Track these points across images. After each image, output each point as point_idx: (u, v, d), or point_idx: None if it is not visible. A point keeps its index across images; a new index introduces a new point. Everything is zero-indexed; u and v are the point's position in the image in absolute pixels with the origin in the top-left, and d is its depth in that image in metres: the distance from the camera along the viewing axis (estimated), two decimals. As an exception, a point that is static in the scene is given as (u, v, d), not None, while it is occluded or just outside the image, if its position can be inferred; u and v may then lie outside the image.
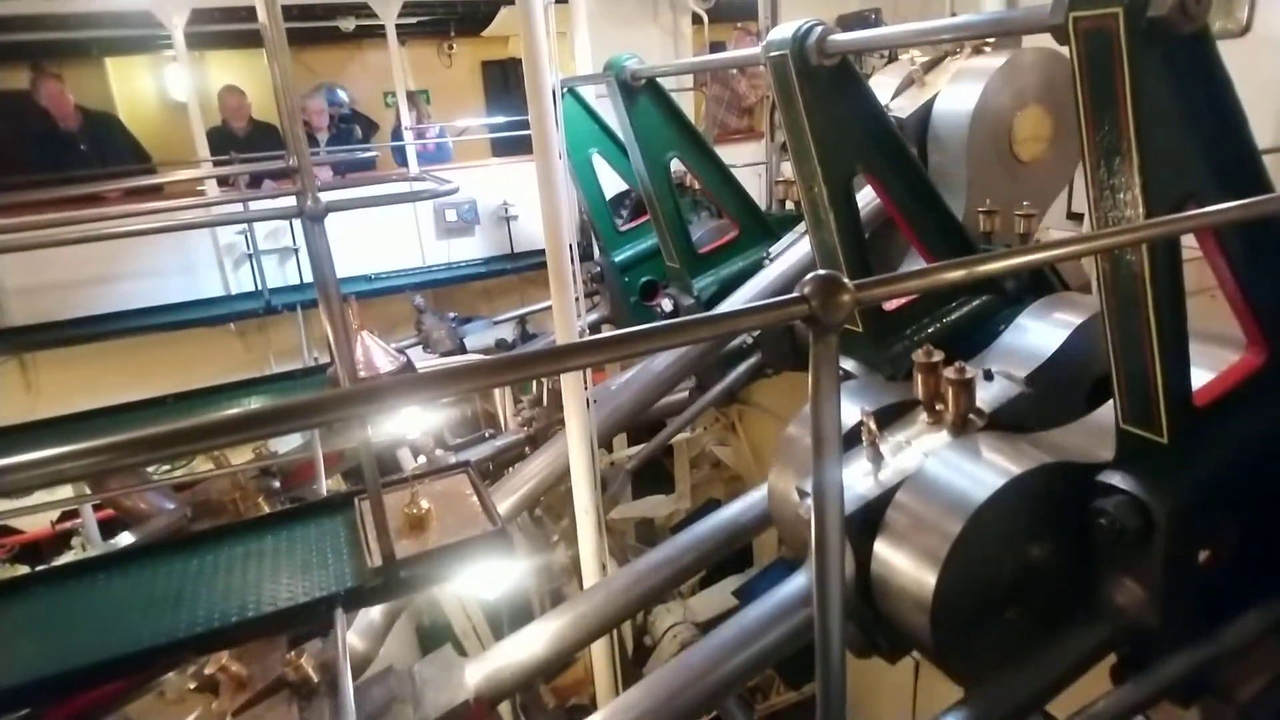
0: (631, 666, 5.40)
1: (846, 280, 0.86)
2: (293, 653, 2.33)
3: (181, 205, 4.49)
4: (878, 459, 2.15)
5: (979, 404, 2.17)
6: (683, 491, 6.53)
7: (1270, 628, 2.00)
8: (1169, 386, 1.83)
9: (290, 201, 2.59)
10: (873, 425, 2.14)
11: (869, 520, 2.05)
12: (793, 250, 4.21)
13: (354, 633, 2.78)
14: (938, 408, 2.20)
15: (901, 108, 3.54)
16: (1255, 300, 1.97)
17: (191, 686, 2.37)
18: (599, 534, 3.31)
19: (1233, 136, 1.82)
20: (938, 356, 2.19)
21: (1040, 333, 2.56)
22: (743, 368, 4.56)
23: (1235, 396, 2.00)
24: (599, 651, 3.46)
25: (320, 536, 2.58)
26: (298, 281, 7.46)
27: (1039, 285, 2.96)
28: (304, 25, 8.88)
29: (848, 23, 9.10)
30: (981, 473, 1.93)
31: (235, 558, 2.49)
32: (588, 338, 2.68)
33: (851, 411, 2.22)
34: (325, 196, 2.27)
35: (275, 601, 2.21)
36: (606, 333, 5.61)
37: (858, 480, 2.14)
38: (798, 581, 2.32)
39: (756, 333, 4.33)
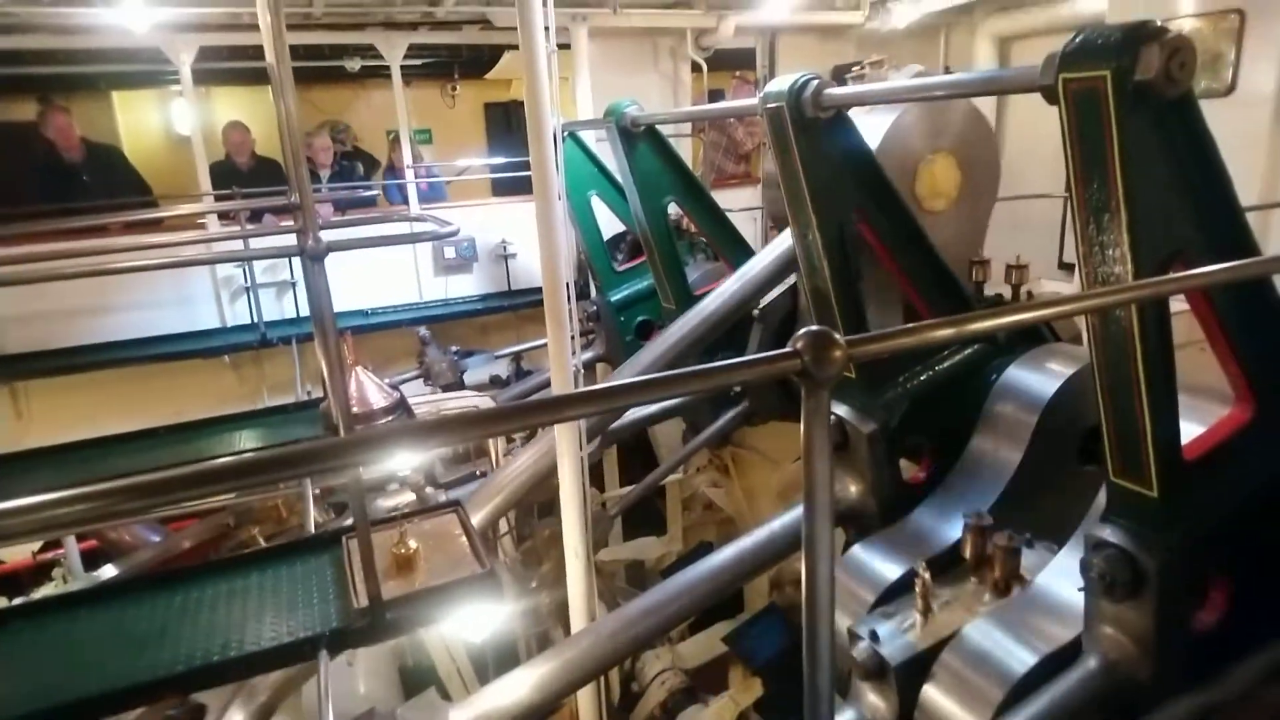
0: (618, 714, 5.30)
1: (838, 336, 0.87)
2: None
3: (183, 241, 4.51)
4: (927, 611, 2.29)
5: (1022, 570, 2.33)
6: (674, 534, 6.47)
7: (1263, 678, 1.99)
8: (1158, 440, 1.85)
9: (290, 239, 2.62)
10: (927, 577, 2.28)
11: (917, 670, 2.17)
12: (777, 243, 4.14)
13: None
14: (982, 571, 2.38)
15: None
16: (1243, 355, 1.99)
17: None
18: (589, 578, 3.28)
19: (1218, 196, 1.86)
20: (987, 519, 2.35)
21: (1032, 383, 2.58)
22: (734, 412, 4.58)
23: (1225, 450, 2.01)
24: (585, 699, 3.40)
25: (306, 575, 2.55)
26: (294, 315, 7.47)
27: (1030, 335, 2.99)
28: (311, 65, 9.04)
29: (843, 74, 9.33)
30: (1017, 648, 2.09)
31: (220, 595, 2.45)
32: (583, 389, 2.67)
33: (895, 561, 2.43)
34: (326, 235, 2.29)
35: (259, 641, 2.18)
36: (600, 379, 5.64)
37: (907, 630, 2.27)
38: None
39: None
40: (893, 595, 2.42)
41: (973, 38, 8.85)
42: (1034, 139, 8.64)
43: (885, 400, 2.84)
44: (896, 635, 2.23)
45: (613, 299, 5.49)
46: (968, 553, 2.38)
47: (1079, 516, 2.17)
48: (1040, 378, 2.60)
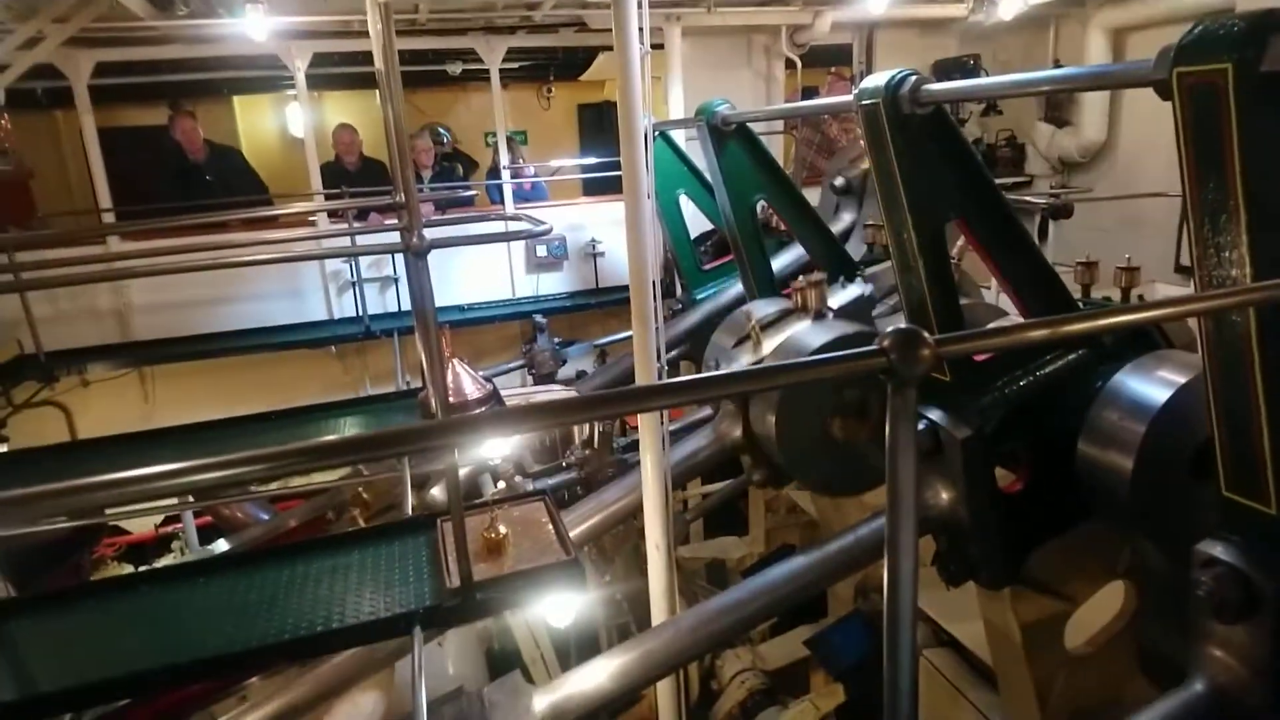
0: (697, 710, 5.31)
1: (926, 334, 0.87)
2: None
3: (295, 237, 4.78)
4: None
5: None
6: (756, 535, 6.43)
7: None
8: (1278, 454, 1.74)
9: (394, 236, 2.75)
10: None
11: None
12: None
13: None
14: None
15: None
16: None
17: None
18: (669, 571, 3.31)
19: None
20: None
21: (1141, 392, 2.46)
22: None
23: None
24: (664, 691, 3.43)
25: (403, 555, 2.68)
26: (395, 309, 7.81)
27: (1140, 341, 2.84)
28: (414, 69, 9.41)
29: (944, 68, 9.03)
30: None
31: (324, 570, 2.60)
32: (666, 380, 2.71)
33: None
34: (428, 234, 2.41)
35: (359, 615, 2.31)
36: (685, 374, 5.65)
37: None
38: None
39: None
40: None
41: (1084, 30, 8.41)
42: (1153, 133, 8.16)
43: (981, 405, 2.75)
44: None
45: (698, 298, 5.50)
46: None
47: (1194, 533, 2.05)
48: (1150, 385, 2.47)
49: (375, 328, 7.60)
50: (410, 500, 3.32)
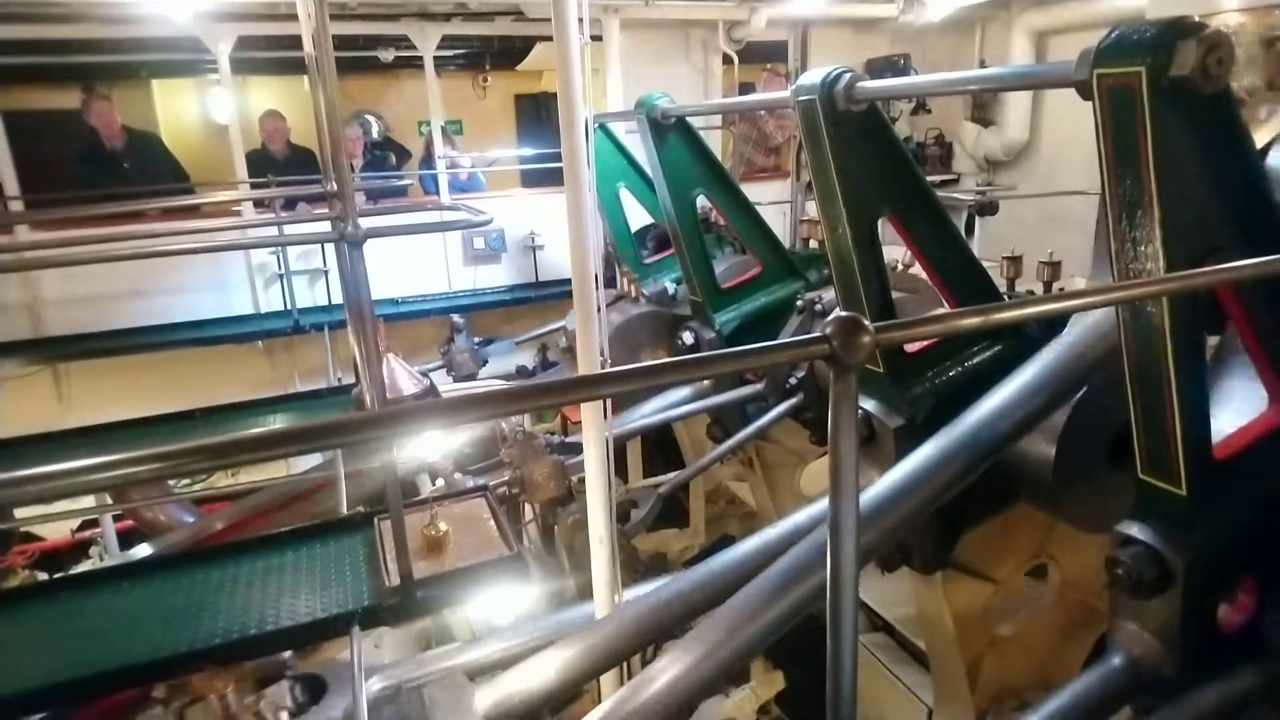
0: (640, 702, 5.33)
1: (867, 322, 0.90)
2: (251, 698, 2.33)
3: (221, 226, 4.60)
4: None
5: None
6: (697, 527, 6.49)
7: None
8: (1188, 438, 1.84)
9: (326, 226, 2.68)
10: None
11: None
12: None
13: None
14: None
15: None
16: (1276, 353, 1.98)
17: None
18: (613, 564, 3.31)
19: (1255, 193, 1.84)
20: None
21: (1061, 380, 2.56)
22: (781, 409, 4.55)
23: (1257, 450, 2.00)
24: (608, 685, 3.43)
25: (340, 554, 2.62)
26: (326, 303, 7.60)
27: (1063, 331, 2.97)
28: (345, 55, 9.15)
29: (876, 67, 9.26)
30: None
31: (256, 572, 2.53)
32: (609, 369, 2.72)
33: None
34: (364, 223, 2.35)
35: (294, 616, 2.25)
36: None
37: None
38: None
39: (802, 374, 4.37)
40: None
41: (1008, 32, 8.73)
42: (1071, 134, 8.53)
43: (913, 396, 2.84)
44: None
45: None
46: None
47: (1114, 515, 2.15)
48: (1070, 375, 2.58)
49: (305, 322, 7.39)
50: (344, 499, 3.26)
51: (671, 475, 5.32)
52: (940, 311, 0.89)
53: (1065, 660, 2.99)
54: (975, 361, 2.94)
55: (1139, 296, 1.65)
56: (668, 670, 2.06)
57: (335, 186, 2.55)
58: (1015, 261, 3.23)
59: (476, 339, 6.98)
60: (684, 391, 5.00)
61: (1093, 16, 7.45)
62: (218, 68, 7.34)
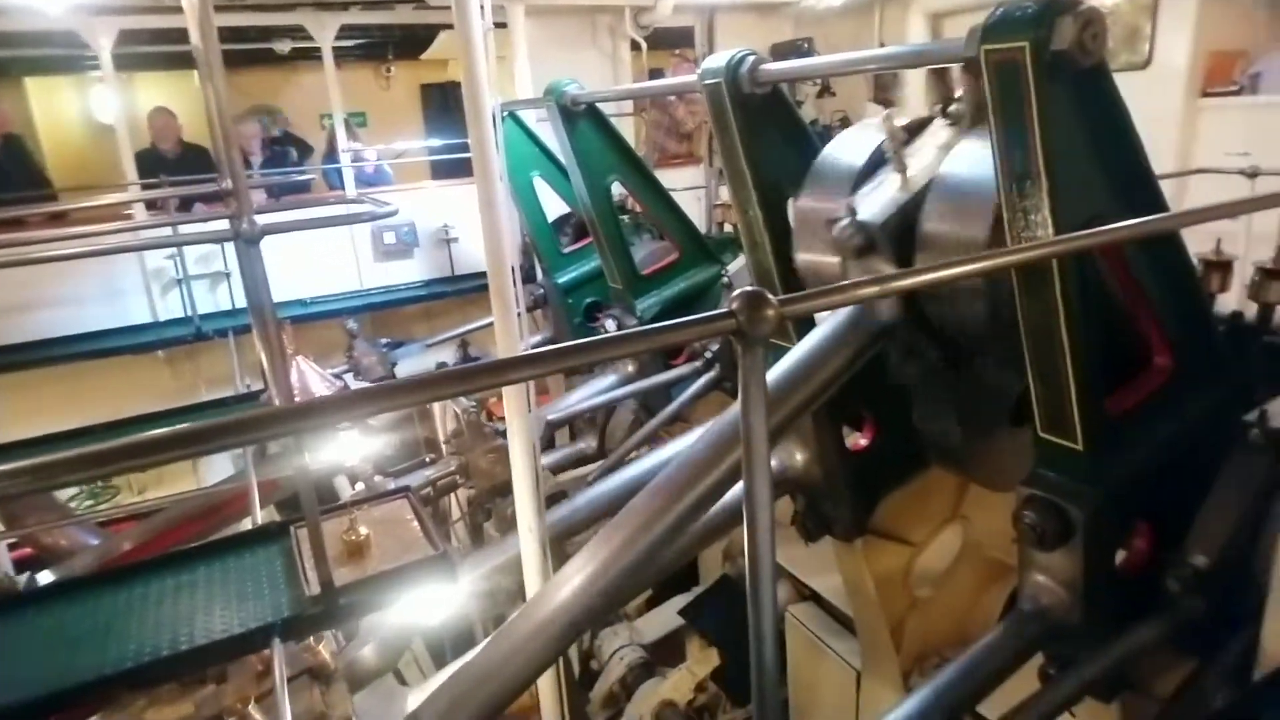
0: (578, 691, 5.34)
1: (770, 295, 0.91)
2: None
3: (109, 229, 4.35)
4: (903, 170, 2.20)
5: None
6: (627, 513, 6.52)
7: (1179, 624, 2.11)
8: (1082, 396, 1.94)
9: (224, 225, 2.55)
10: (897, 126, 2.23)
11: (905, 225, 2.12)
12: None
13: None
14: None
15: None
16: (1158, 313, 2.11)
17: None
18: (543, 555, 3.30)
19: (1133, 161, 1.95)
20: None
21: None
22: (697, 385, 4.61)
23: (1145, 405, 2.12)
24: (545, 676, 3.42)
25: (255, 566, 2.52)
26: (229, 307, 7.28)
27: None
28: (238, 47, 8.74)
29: (781, 51, 9.40)
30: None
31: (166, 590, 2.41)
32: (528, 351, 2.68)
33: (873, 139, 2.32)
34: (261, 219, 2.25)
35: (210, 633, 2.15)
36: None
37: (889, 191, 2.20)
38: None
39: (715, 347, 4.41)
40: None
41: (905, 15, 9.01)
42: (966, 114, 8.86)
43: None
44: (874, 203, 2.20)
45: (560, 281, 5.48)
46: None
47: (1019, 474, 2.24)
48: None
49: (207, 328, 7.06)
50: (259, 510, 3.14)
51: (593, 466, 5.34)
52: (842, 283, 0.91)
53: (982, 616, 3.13)
54: (886, 335, 3.03)
55: (1030, 259, 1.73)
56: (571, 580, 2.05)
57: (230, 184, 2.43)
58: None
59: (383, 341, 6.78)
60: (611, 379, 5.01)
61: (984, -1, 7.75)
62: (99, 64, 6.91)
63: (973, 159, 2.06)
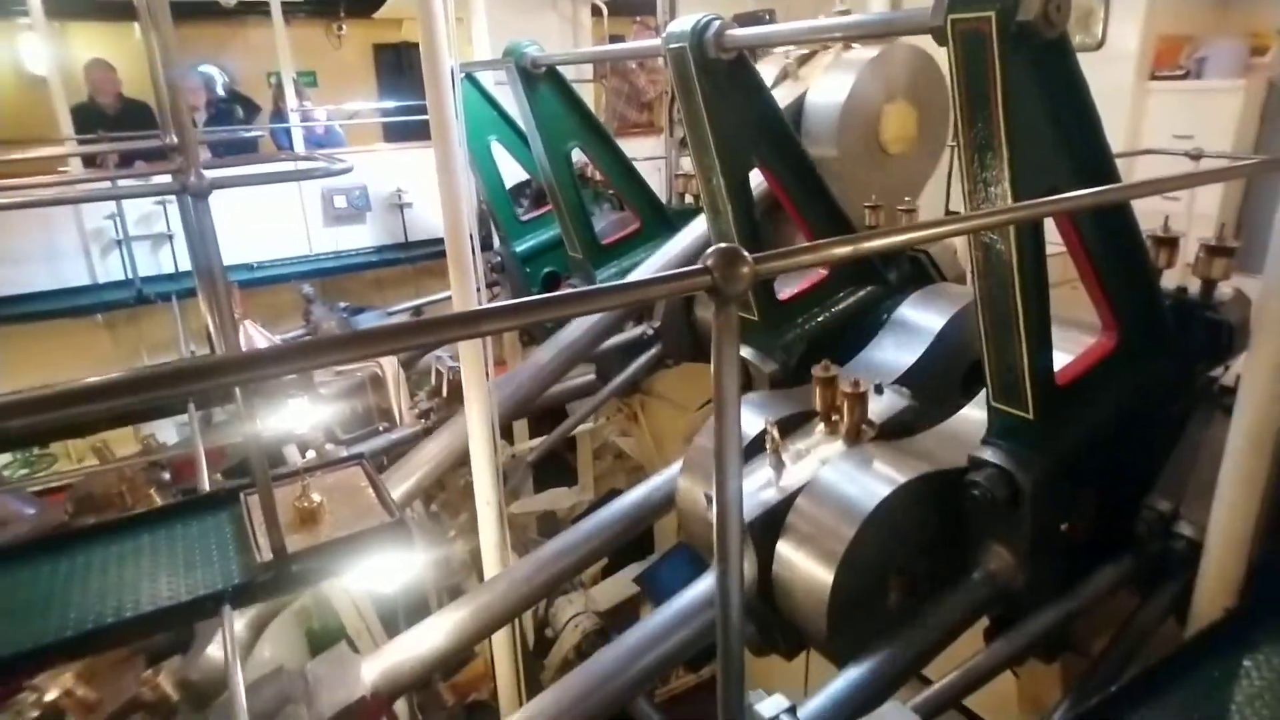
0: (533, 659, 5.37)
1: (745, 253, 0.90)
2: (149, 671, 2.19)
3: (45, 182, 4.14)
4: (779, 466, 2.25)
5: (871, 415, 2.31)
6: (585, 483, 6.54)
7: (1119, 582, 2.20)
8: (1034, 367, 1.99)
9: (167, 181, 2.44)
10: (776, 435, 2.25)
11: (772, 524, 2.15)
12: (693, 227, 4.25)
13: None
14: (834, 419, 2.33)
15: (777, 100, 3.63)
16: (1109, 287, 2.16)
17: (34, 716, 2.21)
18: (501, 526, 3.28)
19: (1090, 135, 1.99)
20: (834, 370, 2.32)
21: (921, 320, 2.72)
22: (644, 358, 4.61)
23: (1093, 376, 2.19)
24: (500, 644, 3.43)
25: (204, 533, 2.46)
26: (173, 270, 7.02)
27: (919, 277, 3.14)
28: (180, -1, 8.36)
29: (743, 21, 9.34)
30: (871, 482, 2.07)
31: (110, 558, 2.33)
32: (490, 305, 2.65)
33: (755, 422, 2.34)
34: (213, 173, 2.16)
35: (155, 600, 2.10)
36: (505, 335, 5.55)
37: (762, 488, 2.23)
38: (703, 584, 2.38)
39: (657, 324, 4.40)
40: (750, 456, 2.35)
41: (867, -12, 9.00)
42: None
43: (785, 342, 2.94)
44: (751, 495, 2.19)
45: (518, 249, 5.40)
46: (818, 403, 2.34)
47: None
48: (928, 314, 2.74)
49: (149, 291, 6.80)
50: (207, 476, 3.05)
51: (553, 434, 5.33)
52: (813, 243, 0.91)
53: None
54: (843, 306, 3.07)
55: (988, 225, 1.76)
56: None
57: (175, 139, 2.33)
58: (876, 210, 3.37)
59: (343, 306, 6.62)
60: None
61: (944, -25, 7.78)
62: (28, 10, 6.53)
63: (841, 483, 2.14)
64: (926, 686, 2.03)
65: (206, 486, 3.04)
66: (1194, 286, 2.44)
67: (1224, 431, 1.93)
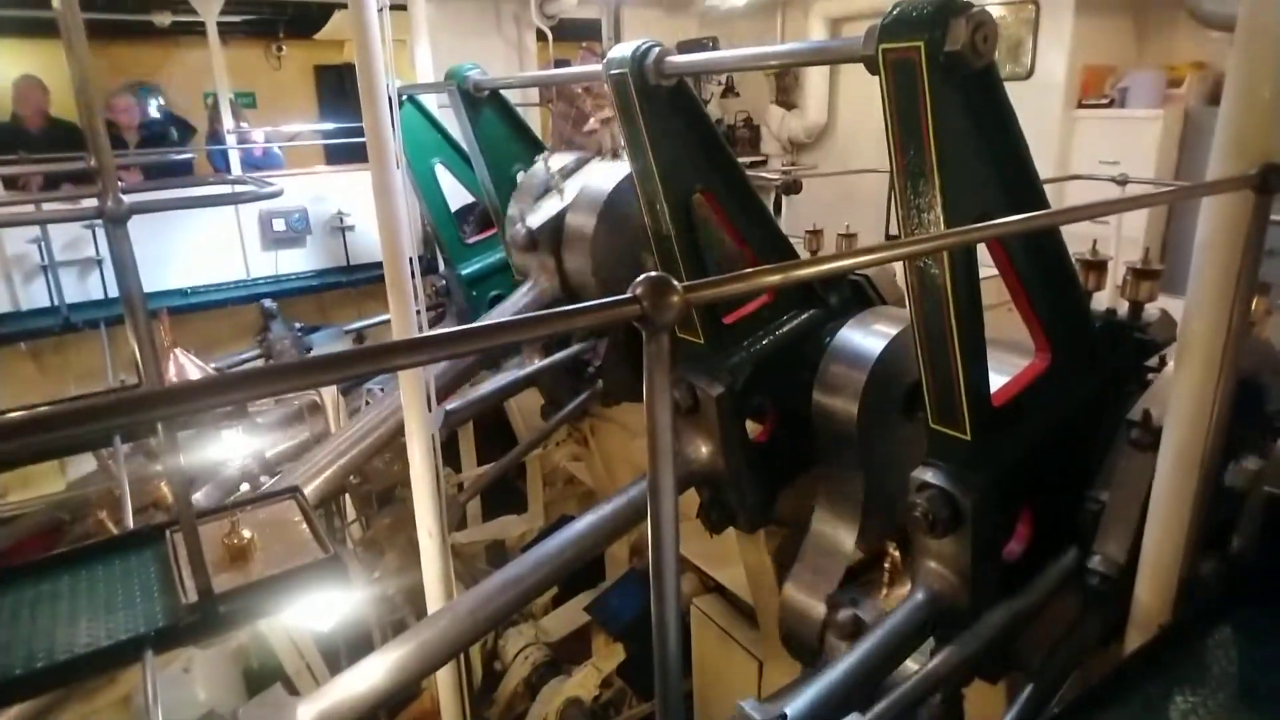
0: (482, 694, 5.24)
1: (675, 282, 0.89)
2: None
3: (-46, 207, 3.95)
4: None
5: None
6: (535, 510, 6.43)
7: (1064, 579, 2.22)
8: (970, 388, 2.02)
9: (92, 204, 2.35)
10: (897, 555, 2.50)
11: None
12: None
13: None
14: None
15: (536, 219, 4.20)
16: (1039, 309, 2.21)
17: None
18: (444, 557, 3.20)
19: (1018, 162, 2.04)
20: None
21: (861, 343, 2.75)
22: (587, 393, 4.57)
23: (1027, 396, 2.23)
24: (445, 680, 3.33)
25: (126, 574, 2.34)
26: (102, 296, 6.76)
27: (860, 300, 3.18)
28: (114, 17, 8.11)
29: (687, 48, 9.50)
30: None
31: (22, 603, 2.20)
32: (418, 335, 2.58)
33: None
34: (131, 198, 2.08)
35: (73, 648, 1.98)
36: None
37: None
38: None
39: (598, 364, 4.41)
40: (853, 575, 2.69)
41: (806, 18, 9.26)
42: (863, 117, 9.19)
43: (731, 364, 2.94)
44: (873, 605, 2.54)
45: (463, 273, 5.34)
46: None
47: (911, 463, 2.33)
48: (869, 338, 2.77)
49: (76, 318, 6.53)
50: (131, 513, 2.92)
51: (504, 459, 5.25)
52: (745, 271, 0.90)
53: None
54: (786, 330, 3.08)
55: (922, 251, 1.78)
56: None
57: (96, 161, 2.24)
58: (817, 235, 3.42)
59: (298, 325, 6.46)
60: (517, 374, 4.91)
61: (881, 5, 8.03)
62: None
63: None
64: (871, 707, 2.02)
65: (131, 523, 2.91)
66: (1122, 308, 2.51)
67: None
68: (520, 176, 4.51)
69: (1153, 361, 2.45)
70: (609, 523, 3.02)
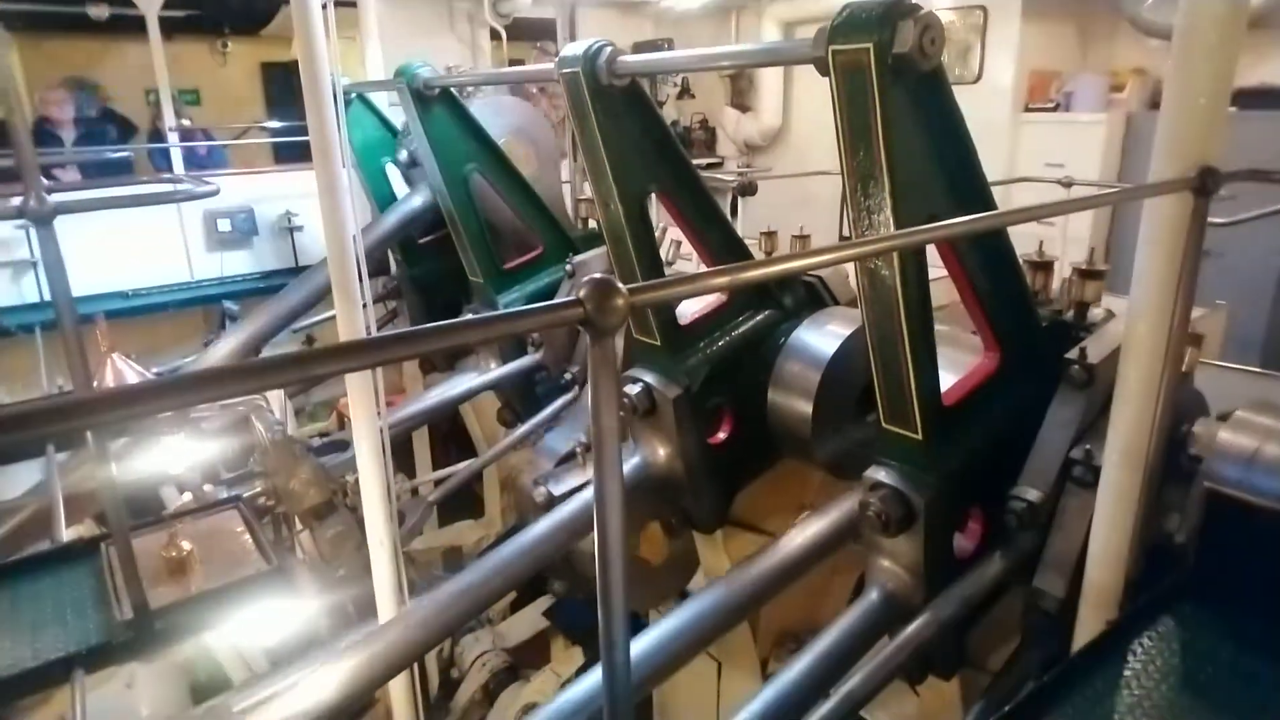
0: (439, 702, 5.15)
1: (620, 284, 0.86)
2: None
3: None
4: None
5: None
6: (492, 515, 6.35)
7: (1008, 570, 2.24)
8: (921, 388, 2.03)
9: (15, 203, 2.24)
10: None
11: None
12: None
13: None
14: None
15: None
16: (988, 309, 2.24)
17: None
18: (395, 566, 3.12)
19: (966, 165, 2.06)
20: None
21: (815, 343, 2.76)
22: (563, 400, 4.50)
23: (977, 395, 2.25)
24: (398, 690, 3.25)
25: (57, 590, 2.24)
26: (37, 299, 6.49)
27: (814, 301, 3.19)
28: (46, 9, 7.80)
29: (642, 49, 9.52)
30: None
31: (-59, 624, 2.09)
32: (363, 338, 2.52)
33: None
34: (58, 197, 1.99)
35: (-7, 671, 1.88)
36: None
37: None
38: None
39: (575, 368, 4.36)
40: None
41: (759, 22, 9.34)
42: (816, 121, 9.30)
43: (688, 366, 2.92)
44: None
45: (415, 274, 5.24)
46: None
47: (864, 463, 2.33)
48: (822, 338, 2.79)
49: (8, 322, 6.27)
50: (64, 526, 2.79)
51: (459, 466, 5.15)
52: (691, 274, 0.89)
53: (832, 601, 3.24)
54: (741, 331, 3.08)
55: (872, 252, 1.79)
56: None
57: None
58: (771, 237, 3.43)
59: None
60: (469, 375, 4.84)
61: (833, 9, 8.14)
62: None
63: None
64: (825, 700, 2.02)
65: (64, 536, 2.79)
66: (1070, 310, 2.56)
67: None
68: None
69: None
70: (567, 527, 2.98)
